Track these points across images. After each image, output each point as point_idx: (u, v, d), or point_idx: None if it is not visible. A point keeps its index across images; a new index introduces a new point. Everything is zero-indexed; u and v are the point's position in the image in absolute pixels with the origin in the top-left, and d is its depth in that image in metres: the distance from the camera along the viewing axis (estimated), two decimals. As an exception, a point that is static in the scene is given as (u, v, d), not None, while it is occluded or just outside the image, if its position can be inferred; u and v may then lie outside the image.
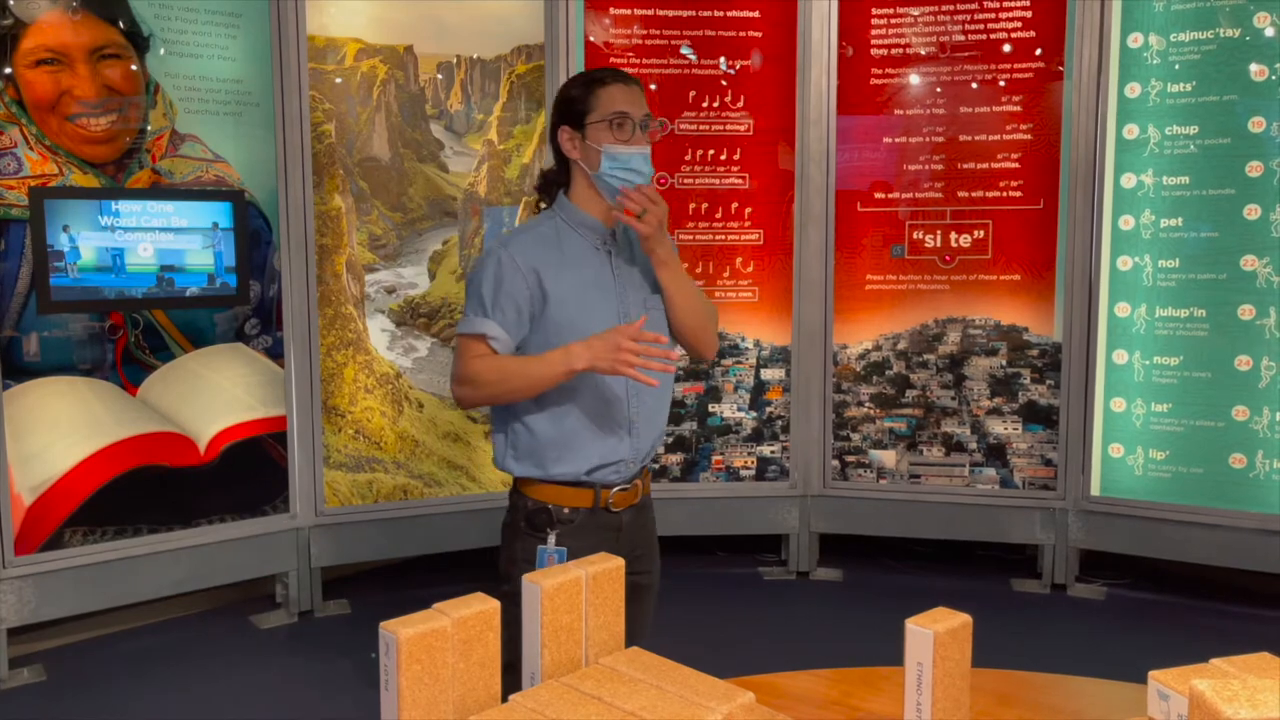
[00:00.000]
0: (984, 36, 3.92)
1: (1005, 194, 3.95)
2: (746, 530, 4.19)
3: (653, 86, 4.00)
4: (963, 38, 3.94)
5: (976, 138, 3.96)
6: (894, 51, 4.01)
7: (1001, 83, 3.92)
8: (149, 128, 3.37)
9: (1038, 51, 3.88)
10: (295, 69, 3.60)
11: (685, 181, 4.06)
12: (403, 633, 1.05)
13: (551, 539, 1.95)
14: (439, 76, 3.92)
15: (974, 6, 3.93)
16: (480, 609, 1.12)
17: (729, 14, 4.04)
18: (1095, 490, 3.90)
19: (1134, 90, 3.76)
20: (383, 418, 3.85)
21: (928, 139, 4.01)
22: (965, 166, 3.98)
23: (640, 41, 4.02)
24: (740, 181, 4.09)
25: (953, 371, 4.04)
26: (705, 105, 4.06)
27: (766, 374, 4.13)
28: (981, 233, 3.99)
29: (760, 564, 4.23)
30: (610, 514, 2.00)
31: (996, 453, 4.01)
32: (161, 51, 3.39)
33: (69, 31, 3.20)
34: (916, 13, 3.97)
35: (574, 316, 1.93)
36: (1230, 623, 3.67)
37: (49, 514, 3.25)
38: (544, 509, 1.96)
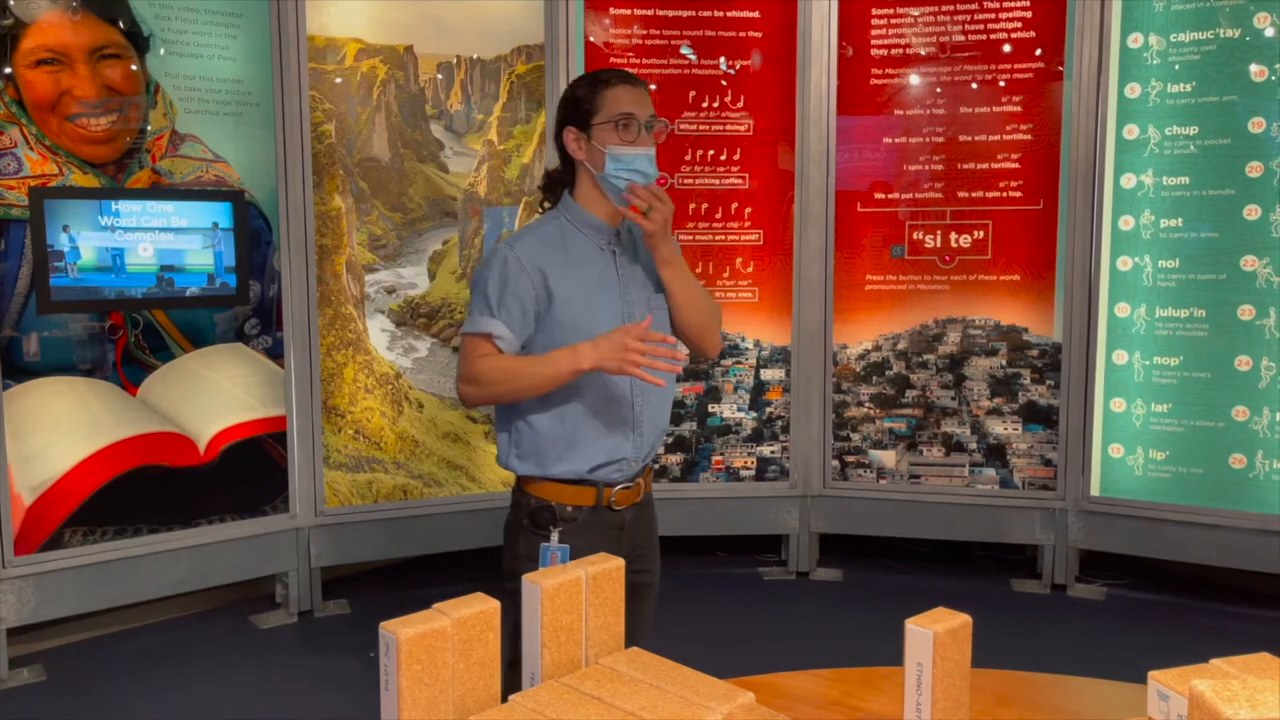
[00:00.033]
0: (984, 37, 3.93)
1: (1005, 194, 3.95)
2: (746, 530, 4.19)
3: (653, 87, 3.96)
4: (963, 38, 3.94)
5: (976, 138, 3.96)
6: (894, 52, 4.01)
7: (1001, 83, 3.92)
8: (149, 128, 3.37)
9: (1038, 52, 3.88)
10: (295, 69, 3.60)
11: (685, 182, 4.06)
12: (403, 633, 1.05)
13: (554, 537, 1.96)
14: (439, 76, 3.92)
15: (974, 7, 3.93)
16: (480, 609, 1.12)
17: (729, 14, 4.04)
18: (1095, 490, 3.90)
19: (1134, 90, 3.76)
20: (383, 418, 3.85)
21: (928, 139, 4.01)
22: (965, 167, 3.98)
23: (640, 41, 4.02)
24: (740, 182, 4.09)
25: (953, 372, 4.04)
26: (705, 105, 4.06)
27: (766, 374, 4.13)
28: (981, 233, 3.99)
29: (760, 564, 4.23)
30: (613, 512, 2.01)
31: (996, 453, 4.01)
32: (161, 51, 3.39)
33: (69, 31, 3.20)
34: (916, 13, 3.97)
35: (579, 316, 1.94)
36: (1230, 623, 3.67)
37: (49, 514, 3.25)
38: (547, 507, 1.97)
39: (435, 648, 1.08)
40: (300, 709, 3.06)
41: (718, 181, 4.09)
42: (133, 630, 3.58)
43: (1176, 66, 3.69)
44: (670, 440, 4.08)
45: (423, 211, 3.92)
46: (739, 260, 4.11)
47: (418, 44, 3.86)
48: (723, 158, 4.08)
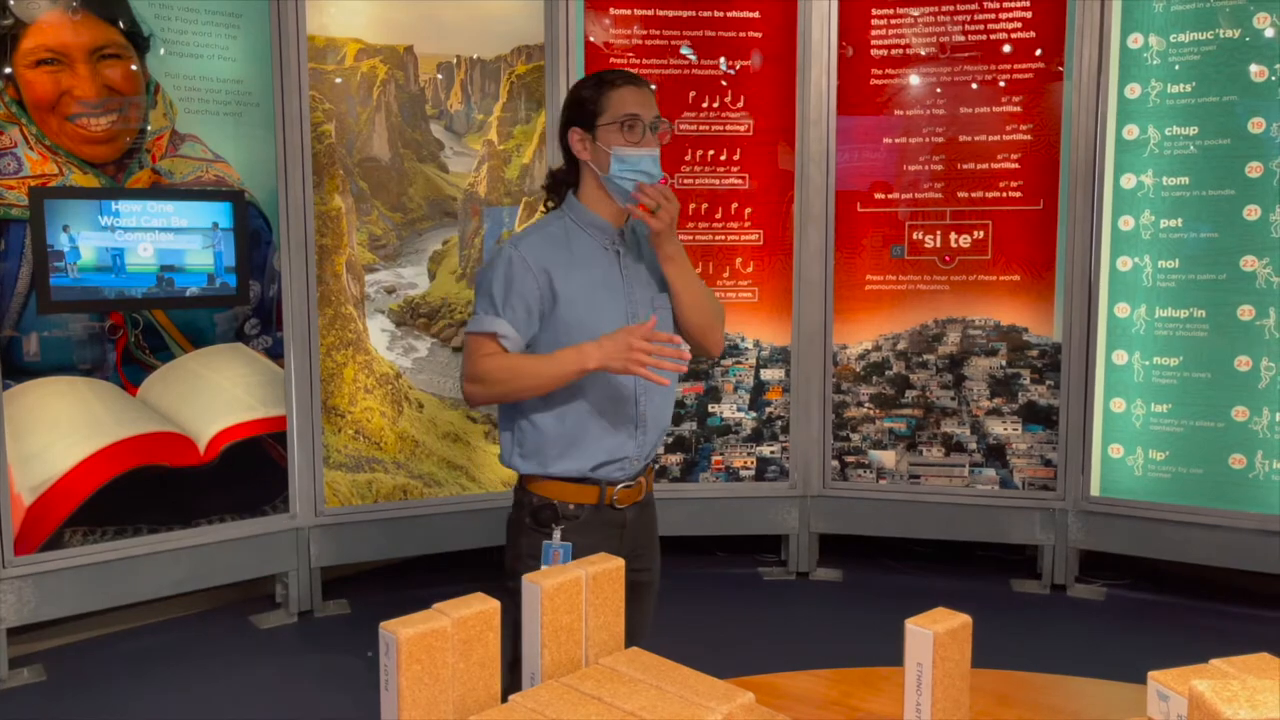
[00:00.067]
0: (984, 37, 3.93)
1: (1005, 194, 3.95)
2: (746, 530, 4.19)
3: (652, 87, 3.99)
4: (963, 38, 3.94)
5: (976, 138, 3.96)
6: (894, 52, 4.01)
7: (1001, 83, 3.92)
8: (149, 128, 3.37)
9: (1038, 52, 3.88)
10: (295, 69, 3.60)
11: (685, 182, 4.06)
12: (403, 633, 1.05)
13: (557, 535, 1.97)
14: (439, 76, 3.92)
15: (974, 7, 3.93)
16: (480, 609, 1.12)
17: (729, 14, 4.04)
18: (1095, 491, 3.90)
19: (1134, 91, 3.76)
20: (382, 418, 3.85)
21: (928, 139, 4.01)
22: (965, 167, 3.98)
23: (640, 42, 4.02)
24: (740, 182, 4.10)
25: (952, 372, 4.04)
26: (705, 105, 4.06)
27: (766, 374, 4.13)
28: (981, 233, 3.99)
29: (760, 564, 4.23)
30: (615, 511, 2.02)
31: (996, 453, 4.01)
32: (161, 51, 3.39)
33: (69, 31, 3.20)
34: (916, 13, 3.97)
35: (583, 316, 1.95)
36: (1230, 623, 3.68)
37: (49, 514, 3.25)
38: (549, 505, 1.98)
39: (435, 648, 1.08)
40: (300, 709, 3.06)
41: (718, 181, 4.09)
42: (133, 630, 3.58)
43: (1176, 67, 3.69)
44: (670, 440, 4.08)
45: (423, 211, 3.92)
46: (739, 260, 4.11)
47: (418, 44, 3.86)
48: (723, 158, 4.08)
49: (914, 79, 4.01)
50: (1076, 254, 3.86)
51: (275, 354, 3.66)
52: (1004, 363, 3.99)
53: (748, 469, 4.14)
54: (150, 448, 3.42)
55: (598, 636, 1.20)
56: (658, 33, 4.03)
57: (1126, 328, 3.83)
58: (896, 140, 4.03)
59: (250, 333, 3.62)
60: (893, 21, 4.00)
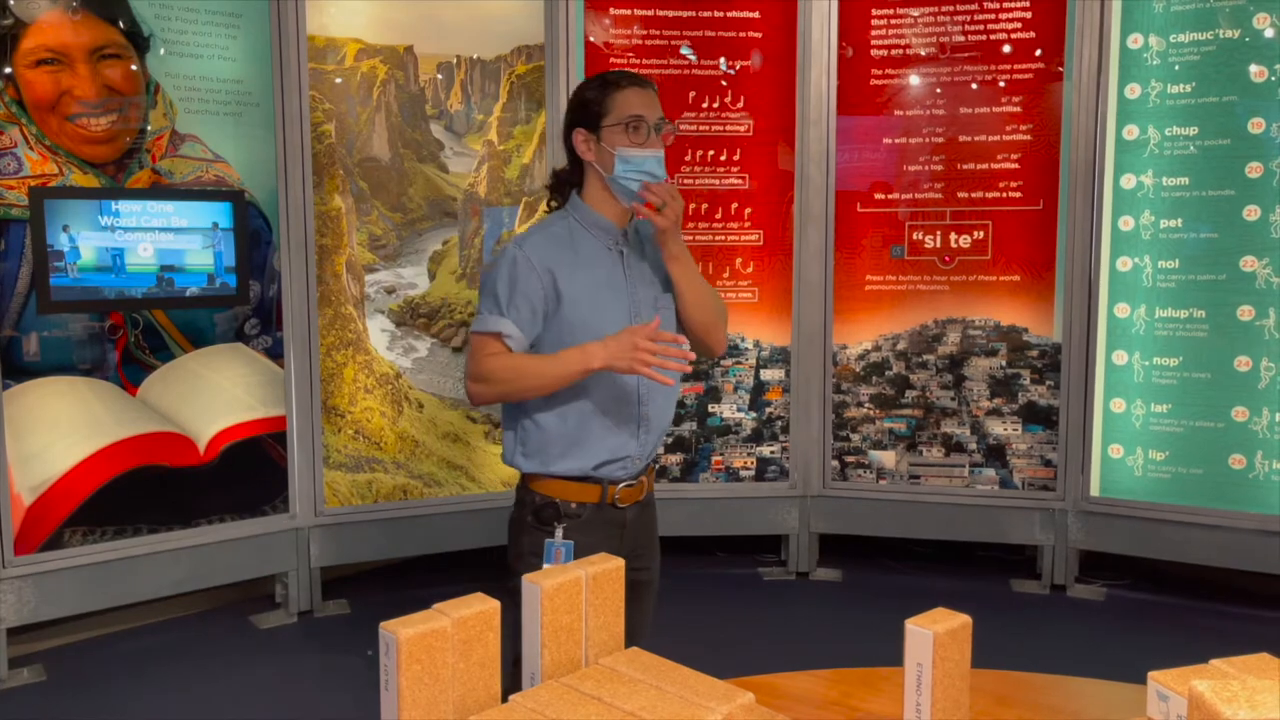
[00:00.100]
0: (984, 37, 3.93)
1: (1005, 195, 3.96)
2: (746, 531, 4.19)
3: (655, 88, 3.99)
4: (963, 38, 3.94)
5: (976, 138, 3.96)
6: (894, 52, 4.01)
7: (1001, 83, 3.92)
8: (149, 128, 3.37)
9: (1038, 52, 3.88)
10: (295, 69, 3.60)
11: (685, 182, 4.06)
12: (403, 633, 1.05)
13: (559, 533, 1.98)
14: (439, 76, 3.92)
15: (974, 7, 3.93)
16: (480, 609, 1.12)
17: (729, 14, 4.04)
18: (1095, 491, 3.90)
19: (1134, 91, 3.76)
20: (382, 418, 3.85)
21: (927, 139, 4.01)
22: (965, 167, 3.98)
23: (640, 42, 4.02)
24: (740, 182, 4.10)
25: (952, 372, 4.04)
26: (705, 106, 4.06)
27: (766, 374, 4.13)
28: (981, 233, 3.99)
29: (760, 564, 4.23)
30: (616, 510, 2.03)
31: (996, 453, 4.01)
32: (161, 51, 3.39)
33: (69, 31, 3.20)
34: (916, 13, 3.97)
35: (587, 316, 1.96)
36: (1230, 623, 3.68)
37: (49, 514, 3.25)
38: (551, 504, 1.99)
39: (435, 648, 1.08)
40: (300, 709, 3.06)
41: (718, 182, 4.09)
42: (133, 630, 3.58)
43: (1176, 67, 3.69)
44: (670, 440, 4.08)
45: (423, 211, 3.92)
46: (739, 260, 4.11)
47: (418, 44, 3.86)
48: (723, 158, 4.08)
49: (914, 79, 4.01)
50: (1076, 254, 3.86)
51: (275, 354, 3.66)
52: (1004, 363, 3.99)
53: (748, 469, 4.14)
54: (150, 448, 3.42)
55: (598, 636, 1.20)
56: (658, 33, 4.03)
57: (1126, 328, 3.83)
58: (896, 140, 4.03)
59: (250, 333, 3.62)
60: (893, 22, 4.00)
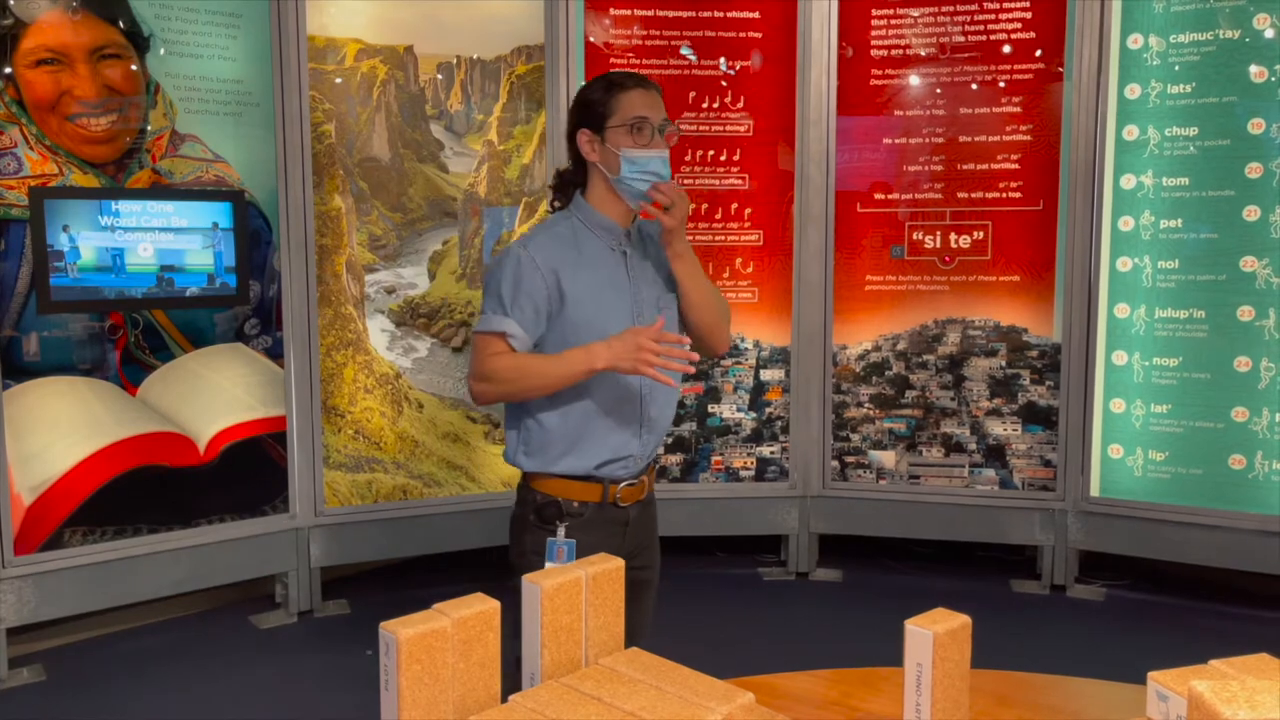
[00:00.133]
0: (984, 37, 3.93)
1: (1005, 195, 3.96)
2: (746, 531, 4.19)
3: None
4: (963, 39, 3.94)
5: (976, 139, 3.96)
6: (894, 52, 4.01)
7: (1001, 84, 3.92)
8: (149, 128, 3.37)
9: (1038, 52, 3.88)
10: (295, 69, 3.60)
11: (685, 182, 4.06)
12: (403, 633, 1.06)
13: (561, 532, 1.99)
14: (439, 77, 3.92)
15: (974, 7, 3.93)
16: (480, 609, 1.12)
17: (729, 14, 4.04)
18: (1095, 491, 3.90)
19: (1134, 91, 3.76)
20: (382, 418, 3.85)
21: (927, 140, 4.01)
22: (965, 167, 3.98)
23: (640, 42, 4.02)
24: (740, 182, 4.10)
25: (952, 372, 4.04)
26: (705, 106, 4.06)
27: (766, 374, 4.13)
28: (981, 234, 3.99)
29: (760, 564, 4.23)
30: (618, 509, 2.04)
31: (996, 453, 4.01)
32: (162, 51, 3.39)
33: (69, 31, 3.20)
34: (916, 13, 3.98)
35: (590, 316, 1.97)
36: (1229, 624, 3.68)
37: (49, 514, 3.25)
38: (553, 502, 2.00)
39: (435, 648, 1.08)
40: (300, 709, 3.06)
41: (718, 182, 4.09)
42: (133, 630, 3.58)
43: (1176, 67, 3.69)
44: (670, 440, 4.08)
45: (423, 211, 3.92)
46: (739, 260, 4.11)
47: (418, 44, 3.86)
48: (723, 158, 4.08)
49: (914, 79, 4.01)
50: (1076, 254, 3.86)
51: (275, 354, 3.66)
52: (1004, 363, 3.99)
53: (747, 469, 4.14)
54: (150, 448, 3.42)
55: (598, 637, 1.20)
56: (658, 33, 4.03)
57: (1126, 328, 3.83)
58: (896, 141, 4.03)
59: (250, 333, 3.62)
60: (893, 22, 4.00)
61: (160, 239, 3.40)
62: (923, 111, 4.01)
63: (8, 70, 3.14)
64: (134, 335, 3.40)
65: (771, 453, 4.14)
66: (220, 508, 3.56)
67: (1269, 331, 3.61)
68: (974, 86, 3.95)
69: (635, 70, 3.90)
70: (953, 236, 4.01)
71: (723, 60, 4.05)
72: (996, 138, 3.94)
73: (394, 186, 3.87)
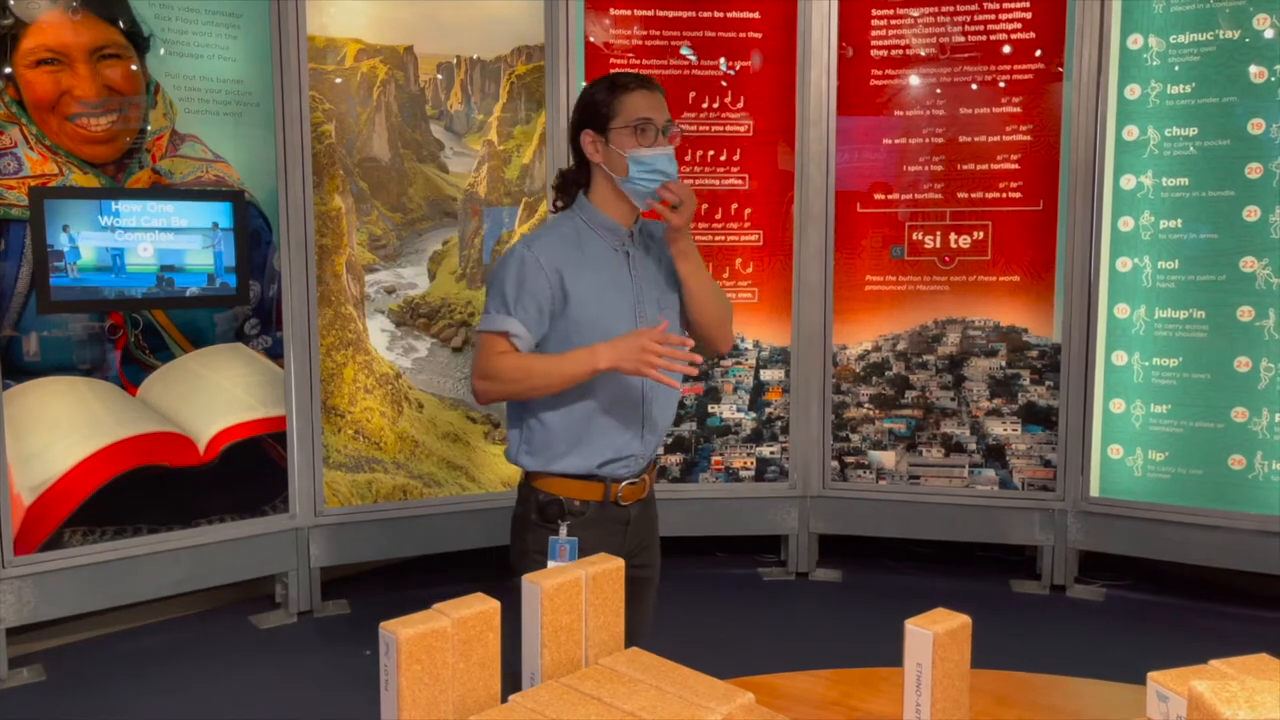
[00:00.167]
0: (984, 38, 3.93)
1: (1005, 195, 3.96)
2: (746, 531, 4.19)
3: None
4: (963, 39, 3.94)
5: (976, 139, 3.96)
6: (894, 52, 4.01)
7: (1001, 84, 3.92)
8: (149, 128, 3.37)
9: (1037, 53, 3.88)
10: (295, 69, 3.60)
11: (685, 182, 4.05)
12: (403, 633, 1.06)
13: (563, 530, 1.99)
14: (439, 77, 3.92)
15: (974, 8, 3.93)
16: (480, 609, 1.12)
17: (729, 15, 4.04)
18: (1094, 491, 3.90)
19: (1134, 92, 3.76)
20: (382, 418, 3.85)
21: (927, 140, 4.01)
22: (965, 167, 3.98)
23: (640, 42, 4.02)
24: (740, 182, 4.10)
25: (952, 372, 4.04)
26: (705, 106, 4.06)
27: (766, 375, 4.13)
28: (981, 234, 3.99)
29: (760, 565, 4.23)
30: (619, 507, 2.05)
31: (996, 454, 4.01)
32: (162, 51, 3.39)
33: (69, 31, 3.20)
34: (916, 14, 3.98)
35: (594, 316, 1.98)
36: (1229, 624, 3.68)
37: (49, 514, 3.25)
38: (555, 501, 2.00)
39: (435, 648, 1.08)
40: (300, 709, 3.06)
41: (718, 182, 4.09)
42: (133, 630, 3.58)
43: (1176, 68, 3.69)
44: (670, 440, 4.08)
45: (423, 212, 3.92)
46: (739, 261, 4.11)
47: (418, 44, 3.86)
48: (723, 158, 4.08)
49: (914, 79, 4.01)
50: (1076, 255, 3.86)
51: (275, 354, 3.66)
52: (1004, 363, 3.99)
53: (747, 469, 4.14)
54: (150, 448, 3.42)
55: (598, 637, 1.20)
56: (658, 33, 4.03)
57: (1126, 328, 3.83)
58: (896, 141, 4.03)
59: (250, 333, 3.62)
60: (893, 22, 4.00)
61: (160, 239, 3.40)
62: (923, 111, 4.01)
63: (8, 70, 3.14)
64: (134, 335, 3.40)
65: (771, 453, 4.14)
66: (220, 508, 3.56)
67: (1269, 332, 3.61)
68: (974, 87, 3.95)
69: (636, 70, 3.91)
70: (953, 237, 4.01)
71: (723, 60, 4.05)
72: (996, 138, 3.94)
73: (394, 186, 3.87)
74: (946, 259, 4.02)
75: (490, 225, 4.01)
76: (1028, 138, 3.91)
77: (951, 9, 3.94)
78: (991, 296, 3.99)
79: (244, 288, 3.58)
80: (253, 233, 3.59)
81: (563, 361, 1.93)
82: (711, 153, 4.08)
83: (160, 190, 3.40)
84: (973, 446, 4.03)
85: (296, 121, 3.62)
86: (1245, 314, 3.64)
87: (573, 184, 2.08)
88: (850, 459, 4.13)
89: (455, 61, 3.94)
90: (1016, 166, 3.93)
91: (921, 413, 4.07)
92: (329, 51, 3.72)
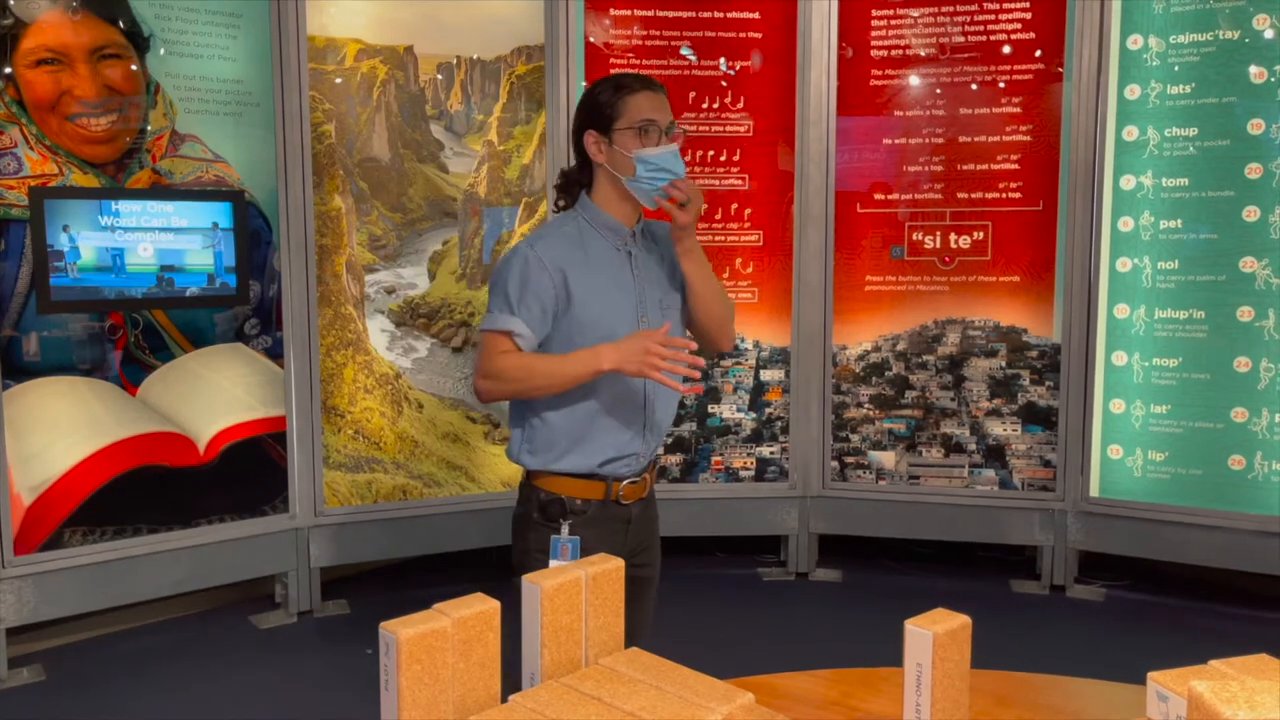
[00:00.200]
0: (984, 38, 3.93)
1: (1005, 195, 3.96)
2: (746, 531, 4.19)
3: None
4: (962, 39, 3.95)
5: (976, 139, 3.96)
6: (894, 53, 4.01)
7: (1001, 84, 3.92)
8: (149, 128, 3.37)
9: (1037, 53, 3.88)
10: (295, 69, 3.60)
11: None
12: (403, 633, 1.06)
13: (565, 529, 1.99)
14: (439, 77, 3.92)
15: (974, 8, 3.93)
16: (480, 609, 1.12)
17: (729, 15, 4.04)
18: (1094, 491, 3.90)
19: (1133, 92, 3.76)
20: (382, 418, 3.85)
21: (927, 140, 4.01)
22: (965, 168, 3.98)
23: (640, 42, 4.02)
24: (740, 182, 4.10)
25: (952, 373, 4.04)
26: (705, 106, 4.06)
27: (766, 375, 4.13)
28: (981, 234, 3.99)
29: (759, 565, 4.23)
30: (620, 506, 2.05)
31: (996, 454, 4.01)
32: (162, 51, 3.39)
33: (69, 31, 3.20)
34: (916, 14, 3.98)
35: (596, 316, 1.98)
36: (1229, 624, 3.68)
37: (49, 514, 3.25)
38: (557, 500, 2.01)
39: (435, 648, 1.08)
40: (300, 709, 3.06)
41: (717, 182, 4.09)
42: (133, 630, 3.58)
43: (1176, 68, 3.69)
44: (670, 441, 4.08)
45: (423, 212, 3.92)
46: (739, 261, 4.11)
47: (418, 44, 3.86)
48: (722, 158, 4.08)
49: (914, 80, 4.01)
50: (1076, 255, 3.86)
51: (275, 354, 3.66)
52: (1003, 363, 3.99)
53: (747, 469, 4.14)
54: (150, 448, 3.42)
55: (598, 637, 1.20)
56: (658, 33, 4.03)
57: (1126, 329, 3.83)
58: (896, 141, 4.04)
59: (250, 333, 3.62)
60: (892, 22, 4.00)
61: (160, 239, 3.40)
62: (923, 112, 4.01)
63: (8, 70, 3.14)
64: (134, 335, 3.40)
65: (771, 453, 4.14)
66: (220, 508, 3.56)
67: (1269, 332, 3.61)
68: (974, 87, 3.95)
69: (636, 70, 3.90)
70: (952, 237, 4.01)
71: (723, 60, 4.05)
72: (996, 138, 3.95)
73: (394, 186, 3.87)
74: (946, 259, 4.02)
75: (490, 225, 4.01)
76: (1028, 138, 3.91)
77: (951, 9, 3.94)
78: (991, 297, 3.99)
79: (244, 288, 3.58)
80: (253, 233, 3.59)
81: (566, 362, 1.93)
82: (711, 153, 4.08)
83: (160, 190, 3.40)
84: (973, 447, 4.03)
85: (296, 121, 3.62)
86: (1245, 314, 3.64)
87: (575, 184, 2.08)
88: (850, 459, 4.13)
89: (455, 61, 3.94)
90: (1016, 167, 3.93)
91: (921, 413, 4.07)
92: (329, 51, 3.72)
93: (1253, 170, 3.59)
